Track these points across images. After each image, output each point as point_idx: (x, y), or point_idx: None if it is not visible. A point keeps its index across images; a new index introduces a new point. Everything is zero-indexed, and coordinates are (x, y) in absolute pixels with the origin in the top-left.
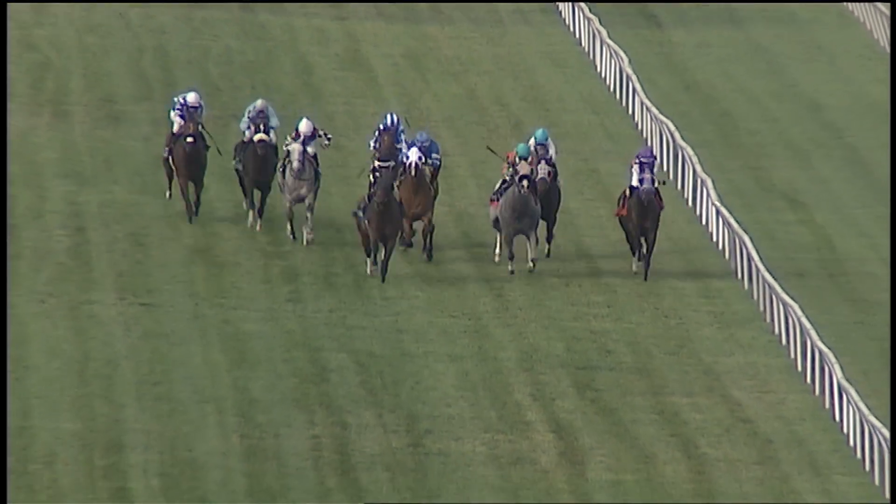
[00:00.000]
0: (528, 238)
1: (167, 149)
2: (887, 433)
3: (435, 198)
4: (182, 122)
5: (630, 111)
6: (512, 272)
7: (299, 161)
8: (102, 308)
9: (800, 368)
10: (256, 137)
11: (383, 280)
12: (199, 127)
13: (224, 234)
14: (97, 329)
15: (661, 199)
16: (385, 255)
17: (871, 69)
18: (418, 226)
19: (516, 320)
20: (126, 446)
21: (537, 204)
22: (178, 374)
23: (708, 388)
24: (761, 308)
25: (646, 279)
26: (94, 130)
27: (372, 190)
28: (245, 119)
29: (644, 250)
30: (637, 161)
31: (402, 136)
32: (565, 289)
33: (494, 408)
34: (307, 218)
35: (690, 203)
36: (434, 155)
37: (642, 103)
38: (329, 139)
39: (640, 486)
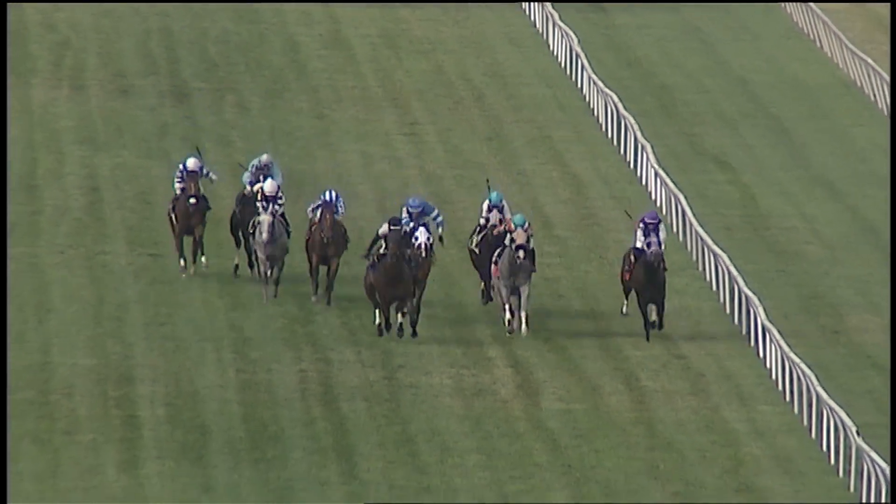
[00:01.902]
0: (521, 292)
1: (171, 206)
2: (806, 368)
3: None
4: (183, 186)
5: (579, 85)
6: (510, 327)
7: (269, 234)
8: (114, 258)
9: (728, 311)
10: (257, 187)
11: (401, 336)
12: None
13: (221, 192)
14: (110, 277)
15: (664, 261)
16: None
17: (791, 49)
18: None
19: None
20: (135, 379)
21: (533, 269)
22: (181, 316)
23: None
24: (694, 258)
25: (661, 329)
26: (107, 102)
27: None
28: (249, 172)
29: (654, 315)
30: (642, 223)
31: (341, 208)
32: None
33: (459, 346)
34: (273, 279)
35: (632, 166)
36: (434, 215)
37: (590, 78)
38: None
39: (587, 415)
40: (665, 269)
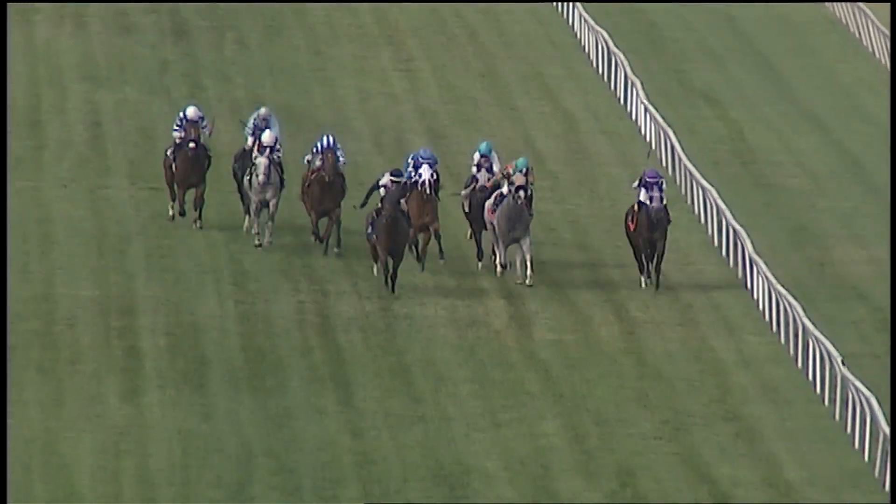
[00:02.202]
0: (521, 244)
1: (171, 156)
2: (792, 299)
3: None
4: (182, 134)
5: (570, 22)
6: (505, 268)
7: (265, 174)
8: (116, 192)
9: (716, 244)
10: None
11: (393, 292)
12: (200, 138)
13: (221, 127)
14: (112, 210)
15: (668, 214)
16: (393, 269)
17: None
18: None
19: None
20: (137, 310)
21: (531, 214)
22: (181, 249)
23: (636, 261)
24: (683, 192)
25: (657, 289)
26: (109, 39)
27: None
28: (249, 126)
29: (654, 262)
30: (644, 180)
31: (341, 156)
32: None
33: (453, 277)
34: (268, 224)
35: (622, 102)
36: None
37: (581, 15)
38: (209, 133)
39: (578, 345)
40: (669, 222)
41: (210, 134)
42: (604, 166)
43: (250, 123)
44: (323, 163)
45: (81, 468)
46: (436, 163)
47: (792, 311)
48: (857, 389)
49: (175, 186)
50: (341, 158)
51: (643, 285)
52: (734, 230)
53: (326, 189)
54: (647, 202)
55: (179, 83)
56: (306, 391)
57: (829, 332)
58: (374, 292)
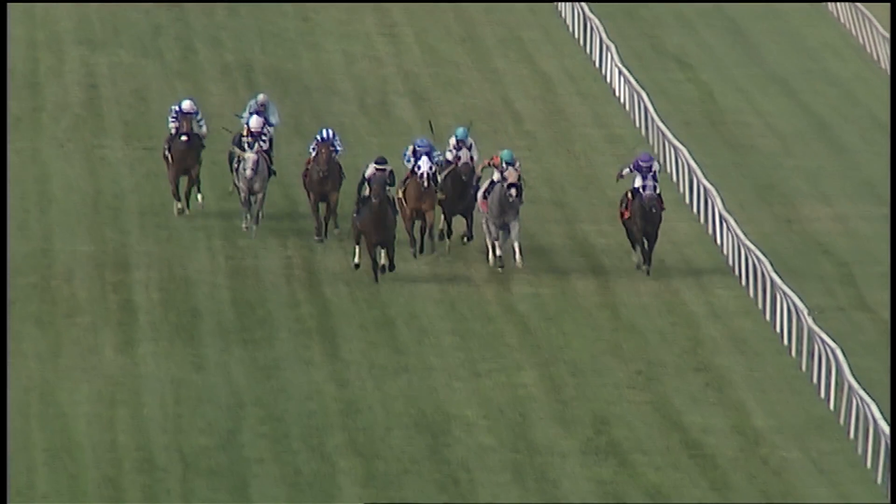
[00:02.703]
0: (511, 228)
1: (166, 146)
2: (760, 254)
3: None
4: (177, 125)
5: None
6: (498, 259)
7: (252, 169)
8: (111, 151)
9: (687, 201)
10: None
11: (376, 281)
12: (194, 129)
13: (212, 90)
14: (107, 169)
15: (662, 202)
16: (389, 258)
17: None
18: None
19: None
20: (131, 265)
21: (521, 201)
22: (173, 207)
23: (611, 218)
24: (656, 151)
25: (648, 274)
26: (104, 4)
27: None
28: (246, 112)
29: (646, 248)
30: (636, 165)
31: (338, 148)
32: (493, 136)
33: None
34: (258, 214)
35: (597, 65)
36: (435, 154)
37: None
38: (204, 131)
39: (555, 299)
40: (663, 209)
41: (206, 131)
42: (579, 127)
43: (247, 110)
44: (317, 155)
45: (78, 416)
46: (435, 151)
47: (760, 266)
48: (822, 341)
49: (177, 180)
50: (338, 149)
51: (636, 264)
52: (705, 188)
53: (325, 182)
54: (641, 190)
55: (172, 47)
56: (294, 343)
57: (796, 285)
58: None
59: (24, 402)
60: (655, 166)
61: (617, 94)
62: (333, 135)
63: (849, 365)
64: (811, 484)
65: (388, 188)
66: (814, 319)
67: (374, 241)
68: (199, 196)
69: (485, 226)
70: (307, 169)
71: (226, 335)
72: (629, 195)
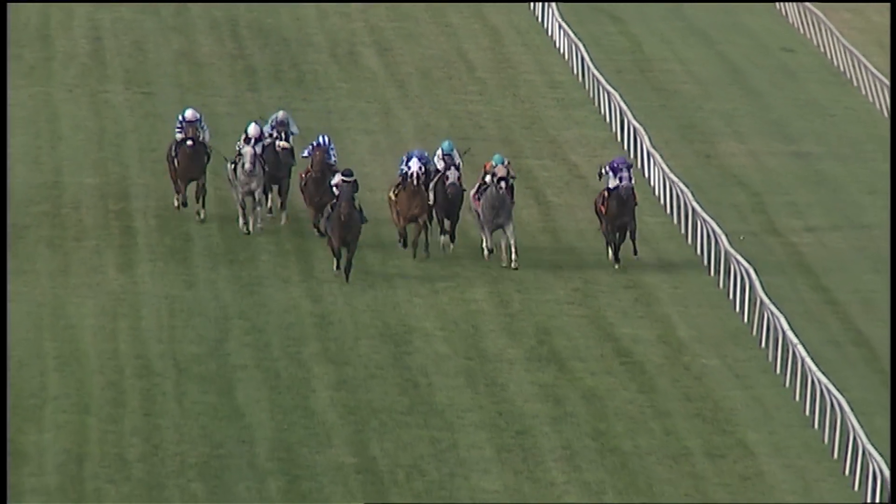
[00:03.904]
0: (506, 230)
1: (173, 152)
2: (683, 186)
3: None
4: (183, 135)
5: None
6: (491, 251)
7: (251, 163)
8: (114, 95)
9: (619, 139)
10: (278, 145)
11: (347, 280)
12: (199, 137)
13: (202, 41)
14: (110, 111)
15: (635, 196)
16: (347, 259)
17: None
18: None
19: (413, 104)
20: (132, 196)
21: (512, 202)
22: (168, 143)
23: (553, 154)
24: (591, 95)
25: (636, 253)
26: None
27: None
28: (267, 128)
29: (619, 243)
30: (611, 166)
31: (333, 154)
32: (449, 82)
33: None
34: (255, 211)
35: (540, 20)
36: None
37: None
38: (207, 137)
39: None
40: (636, 204)
41: (207, 139)
42: (524, 74)
43: (269, 124)
44: (312, 159)
45: (84, 328)
46: (426, 159)
47: (683, 196)
48: (737, 262)
49: (178, 181)
50: (333, 157)
51: (612, 262)
52: (634, 128)
53: (320, 184)
54: (618, 182)
55: (167, 4)
56: (274, 263)
57: (714, 213)
58: None
59: (37, 315)
60: (629, 164)
61: (557, 45)
62: (329, 141)
63: (760, 283)
64: (728, 387)
65: (354, 197)
66: (730, 242)
67: (339, 241)
68: (203, 212)
69: (477, 224)
70: (304, 180)
71: (214, 257)
72: (605, 193)
